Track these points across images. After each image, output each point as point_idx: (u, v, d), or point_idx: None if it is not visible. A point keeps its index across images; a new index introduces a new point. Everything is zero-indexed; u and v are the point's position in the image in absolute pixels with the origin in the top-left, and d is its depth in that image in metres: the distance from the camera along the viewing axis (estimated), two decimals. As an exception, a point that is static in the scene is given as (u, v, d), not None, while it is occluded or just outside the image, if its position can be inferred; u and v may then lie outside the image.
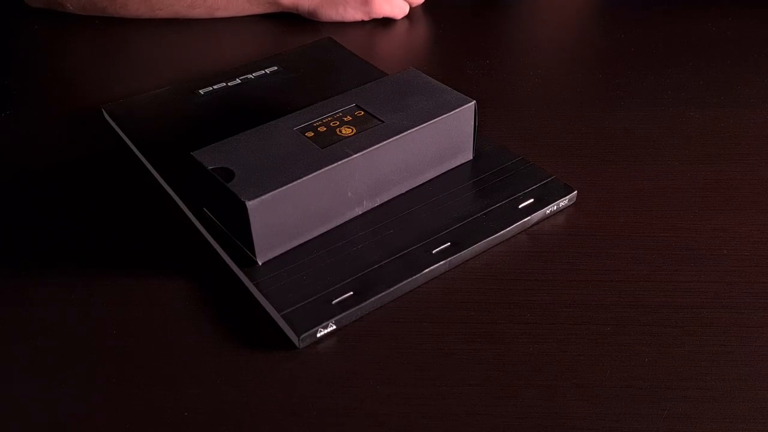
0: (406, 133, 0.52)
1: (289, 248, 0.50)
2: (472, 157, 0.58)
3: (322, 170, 0.49)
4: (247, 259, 0.49)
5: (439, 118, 0.53)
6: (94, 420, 0.42)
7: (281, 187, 0.47)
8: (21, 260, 0.52)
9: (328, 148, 0.50)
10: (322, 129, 0.53)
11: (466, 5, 0.87)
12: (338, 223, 0.52)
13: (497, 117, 0.65)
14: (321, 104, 0.55)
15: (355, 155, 0.50)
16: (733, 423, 0.41)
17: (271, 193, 0.47)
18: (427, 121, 0.53)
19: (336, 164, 0.49)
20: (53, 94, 0.71)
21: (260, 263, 0.49)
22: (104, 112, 0.65)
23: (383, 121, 0.53)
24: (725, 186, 0.57)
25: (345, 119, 0.54)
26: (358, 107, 0.55)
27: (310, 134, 0.52)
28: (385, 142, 0.51)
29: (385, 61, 0.73)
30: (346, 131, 0.52)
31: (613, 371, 0.44)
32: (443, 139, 0.55)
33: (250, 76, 0.69)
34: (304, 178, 0.48)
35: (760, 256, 0.51)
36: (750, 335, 0.46)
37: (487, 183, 0.56)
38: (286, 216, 0.49)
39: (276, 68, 0.70)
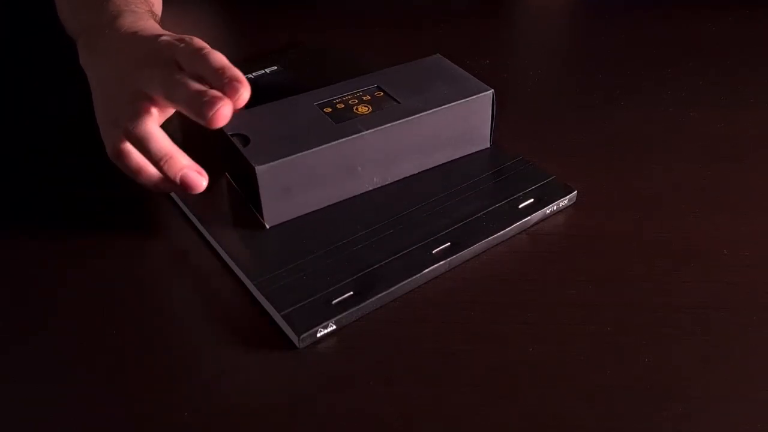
0: (418, 115, 0.54)
1: (297, 215, 0.52)
2: (489, 146, 0.59)
3: (332, 143, 0.51)
4: (256, 224, 0.52)
5: (454, 103, 0.55)
6: (94, 420, 0.42)
7: (290, 155, 0.49)
8: (21, 260, 0.52)
9: (342, 124, 0.52)
10: (341, 106, 0.55)
11: (466, 5, 0.87)
12: (347, 197, 0.54)
13: (497, 117, 0.64)
14: (344, 83, 0.57)
15: (365, 132, 0.52)
16: (733, 423, 0.41)
17: (280, 161, 0.49)
18: (441, 105, 0.54)
19: (345, 139, 0.51)
20: (53, 94, 0.71)
21: (268, 227, 0.51)
22: (104, 112, 0.65)
23: (399, 103, 0.55)
24: (725, 186, 0.57)
25: (364, 98, 0.56)
26: (379, 88, 0.57)
27: (328, 110, 0.54)
28: (396, 122, 0.53)
29: (385, 62, 0.72)
30: (363, 109, 0.54)
31: (613, 371, 0.44)
32: (458, 125, 0.56)
33: (250, 76, 0.69)
34: (313, 149, 0.50)
35: (760, 256, 0.51)
36: (750, 335, 0.46)
37: (487, 183, 0.56)
38: (294, 183, 0.51)
39: (276, 68, 0.70)
